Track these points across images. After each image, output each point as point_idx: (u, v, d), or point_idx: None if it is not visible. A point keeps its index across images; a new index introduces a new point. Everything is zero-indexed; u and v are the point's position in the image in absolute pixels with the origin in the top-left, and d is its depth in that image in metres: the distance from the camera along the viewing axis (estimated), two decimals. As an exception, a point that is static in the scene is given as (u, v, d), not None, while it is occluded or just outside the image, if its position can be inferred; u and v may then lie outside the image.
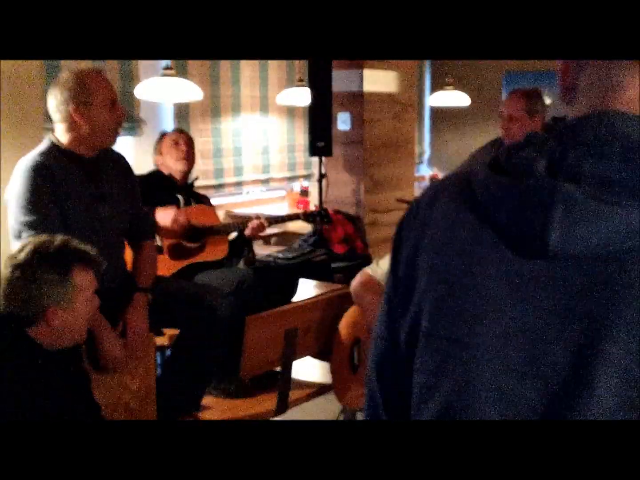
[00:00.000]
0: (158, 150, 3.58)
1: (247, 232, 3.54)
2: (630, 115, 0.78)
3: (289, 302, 3.19)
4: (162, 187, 3.48)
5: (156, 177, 3.54)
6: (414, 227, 0.90)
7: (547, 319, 0.76)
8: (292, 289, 3.38)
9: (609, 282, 0.74)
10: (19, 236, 2.44)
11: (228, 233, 3.53)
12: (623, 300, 0.73)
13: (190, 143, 3.57)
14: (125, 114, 2.70)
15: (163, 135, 3.64)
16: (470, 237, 0.82)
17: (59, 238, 2.09)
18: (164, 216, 3.25)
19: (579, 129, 0.78)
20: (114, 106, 2.58)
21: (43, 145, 2.58)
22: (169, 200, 3.44)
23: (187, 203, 3.51)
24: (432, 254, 0.85)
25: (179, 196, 3.48)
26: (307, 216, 3.73)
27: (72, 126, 2.54)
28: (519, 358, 0.77)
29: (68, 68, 2.61)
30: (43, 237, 2.09)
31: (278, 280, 3.39)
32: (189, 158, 3.53)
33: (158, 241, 3.32)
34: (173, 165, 3.51)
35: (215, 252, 3.43)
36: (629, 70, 0.79)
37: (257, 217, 3.57)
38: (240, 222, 3.57)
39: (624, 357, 0.72)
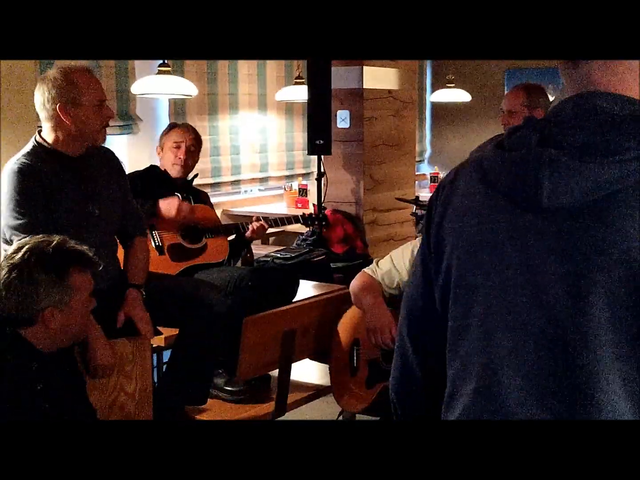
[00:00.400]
0: (161, 143, 3.51)
1: (248, 233, 3.49)
2: (603, 92, 0.97)
3: (288, 303, 3.15)
4: (160, 183, 3.43)
5: (154, 172, 3.49)
6: (441, 200, 1.10)
7: (545, 260, 0.96)
8: (292, 290, 3.35)
9: (591, 225, 0.93)
10: (9, 240, 2.42)
11: (228, 234, 3.49)
12: (604, 238, 0.92)
13: (192, 149, 3.48)
14: (113, 116, 2.66)
15: (171, 128, 3.55)
16: (482, 203, 1.02)
17: (56, 239, 2.07)
18: (168, 207, 3.22)
19: (561, 108, 1.00)
20: (102, 107, 2.54)
21: (28, 146, 2.54)
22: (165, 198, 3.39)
23: (186, 201, 3.46)
24: (454, 220, 1.06)
25: (177, 194, 3.44)
26: (305, 219, 3.68)
27: (58, 125, 2.50)
28: (525, 294, 0.97)
29: (58, 65, 2.56)
30: (40, 238, 2.08)
31: (277, 280, 3.36)
32: (186, 166, 3.46)
33: (159, 241, 3.28)
34: (169, 168, 3.46)
35: (216, 253, 3.40)
36: (591, 67, 0.98)
37: (258, 218, 3.52)
38: (241, 223, 3.52)
39: (609, 280, 0.91)
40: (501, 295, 0.99)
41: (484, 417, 0.99)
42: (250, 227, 3.48)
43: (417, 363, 1.15)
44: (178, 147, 3.44)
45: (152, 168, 3.53)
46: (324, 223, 3.69)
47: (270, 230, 3.83)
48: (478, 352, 1.01)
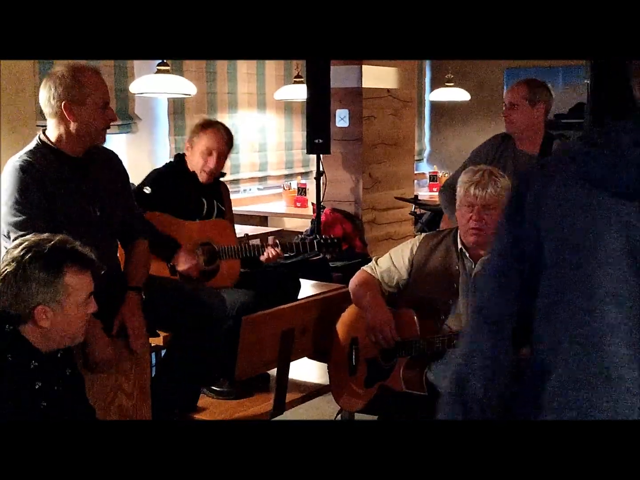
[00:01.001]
0: (190, 141, 3.38)
1: (263, 258, 3.40)
2: None
3: (290, 302, 3.14)
4: (185, 184, 3.34)
5: (181, 170, 3.37)
6: (534, 191, 1.22)
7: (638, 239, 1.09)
8: (294, 290, 3.33)
9: None
10: (8, 236, 2.43)
11: (243, 257, 3.39)
12: None
13: (223, 155, 3.37)
14: (115, 118, 2.66)
15: (204, 127, 3.38)
16: (581, 194, 1.16)
17: (57, 237, 2.06)
18: (183, 264, 3.17)
19: None
20: (106, 108, 2.55)
21: (31, 144, 2.55)
22: (191, 204, 3.33)
23: (210, 208, 3.38)
24: (552, 208, 1.19)
25: (203, 200, 3.35)
26: (320, 245, 3.60)
27: (61, 122, 2.51)
28: (629, 270, 1.10)
29: (64, 63, 2.57)
30: (42, 236, 2.07)
31: (277, 280, 3.34)
32: (214, 174, 3.36)
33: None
34: (197, 171, 3.35)
35: (227, 278, 3.31)
36: None
37: (275, 244, 3.43)
38: (257, 245, 3.43)
39: None
40: (604, 271, 1.12)
41: (582, 379, 1.12)
42: (265, 252, 3.35)
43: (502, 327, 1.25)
44: (210, 154, 3.31)
45: (178, 163, 3.41)
46: (337, 250, 3.63)
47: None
48: (579, 323, 1.14)
